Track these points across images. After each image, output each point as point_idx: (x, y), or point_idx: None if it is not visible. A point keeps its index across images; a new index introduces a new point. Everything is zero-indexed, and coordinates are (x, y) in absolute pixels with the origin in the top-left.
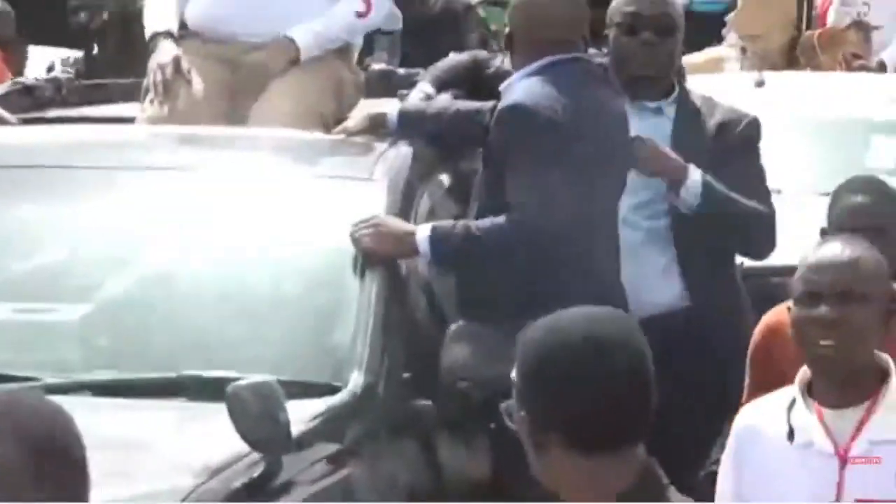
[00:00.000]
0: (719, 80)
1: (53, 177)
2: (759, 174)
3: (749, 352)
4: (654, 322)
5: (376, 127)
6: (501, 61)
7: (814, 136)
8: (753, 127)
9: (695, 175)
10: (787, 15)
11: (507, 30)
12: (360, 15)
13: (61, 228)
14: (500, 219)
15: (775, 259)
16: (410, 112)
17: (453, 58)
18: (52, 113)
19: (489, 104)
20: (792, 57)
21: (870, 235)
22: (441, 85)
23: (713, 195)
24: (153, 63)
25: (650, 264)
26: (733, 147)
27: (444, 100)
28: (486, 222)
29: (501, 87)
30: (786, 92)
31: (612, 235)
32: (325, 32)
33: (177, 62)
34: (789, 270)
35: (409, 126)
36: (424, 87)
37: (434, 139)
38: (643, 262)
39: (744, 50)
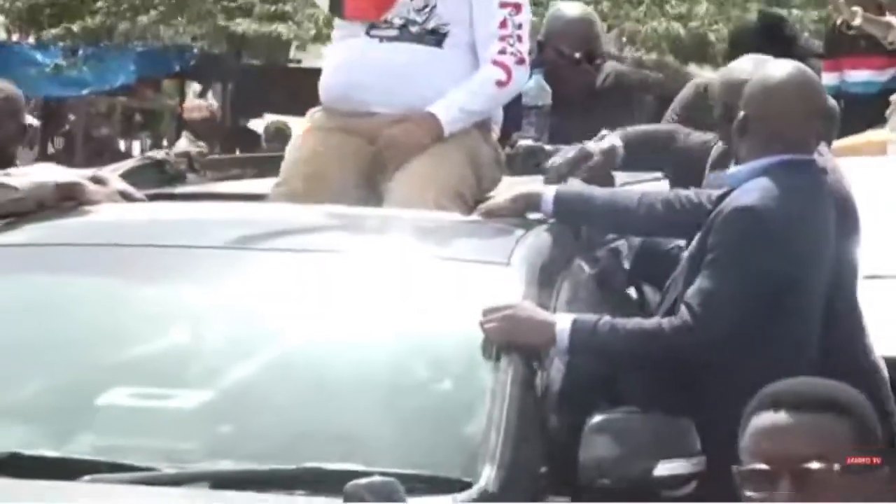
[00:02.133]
0: (888, 163)
1: (176, 256)
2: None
3: None
4: None
5: (525, 208)
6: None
7: None
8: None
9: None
10: None
11: (741, 113)
12: (500, 84)
13: (182, 311)
14: (656, 322)
15: None
16: (570, 197)
17: (653, 126)
18: (180, 189)
19: (664, 192)
20: None
21: None
22: (629, 143)
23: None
24: None
25: None
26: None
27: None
28: (638, 323)
29: (730, 173)
30: None
31: (801, 354)
32: (468, 106)
33: None
34: None
35: (568, 211)
36: (614, 139)
37: (591, 226)
38: None
39: None
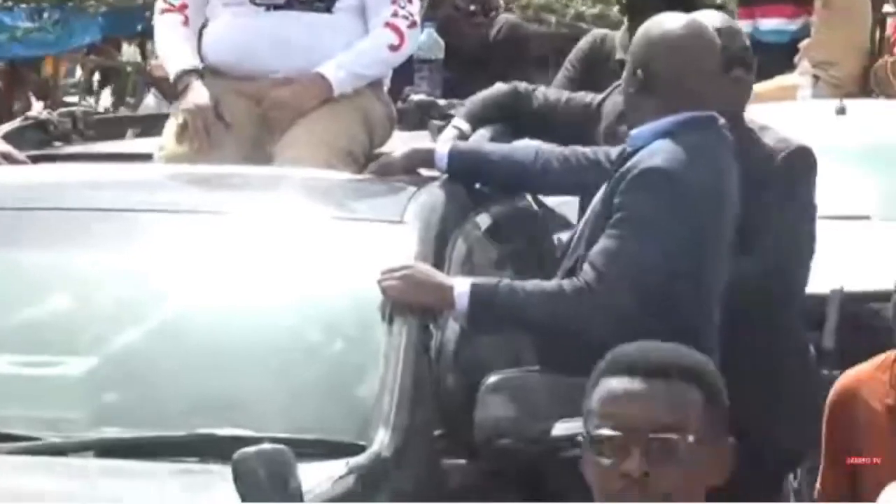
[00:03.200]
0: (797, 107)
1: (59, 219)
2: (799, 208)
3: (826, 416)
4: None
5: (419, 165)
6: (544, 93)
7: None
8: (797, 156)
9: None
10: (861, 43)
11: (639, 71)
12: (392, 48)
13: (66, 275)
14: (556, 284)
15: (872, 284)
16: (465, 153)
17: (491, 90)
18: (65, 150)
19: (560, 149)
20: (865, 85)
21: None
22: (476, 120)
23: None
24: (189, 104)
25: None
26: (775, 176)
27: (491, 139)
28: (538, 286)
29: (634, 133)
30: (866, 119)
31: (708, 328)
32: (358, 69)
33: (217, 105)
34: (884, 295)
35: (463, 168)
36: (459, 122)
37: (486, 182)
38: None
39: (816, 78)
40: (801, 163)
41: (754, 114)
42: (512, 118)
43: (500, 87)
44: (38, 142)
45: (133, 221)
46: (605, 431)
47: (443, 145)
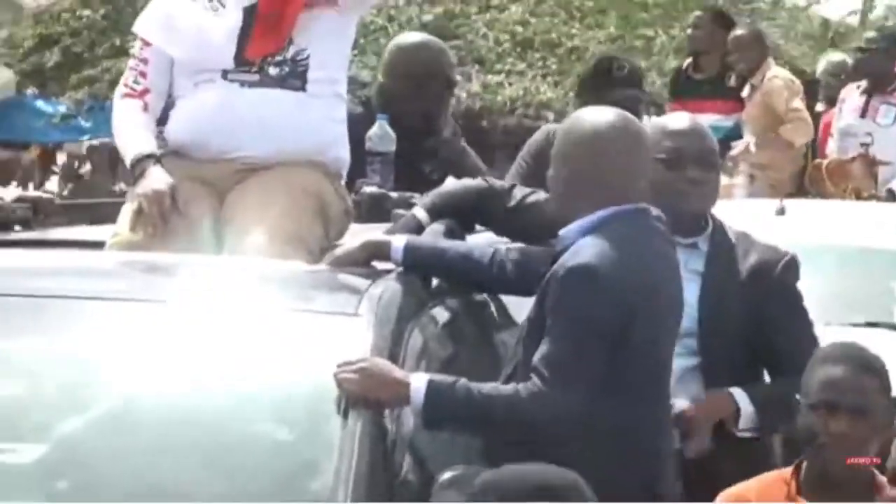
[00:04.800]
0: (736, 207)
1: (11, 305)
2: (804, 320)
3: None
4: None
5: (374, 257)
6: (519, 191)
7: (837, 265)
8: (792, 268)
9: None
10: (798, 146)
11: (563, 170)
12: None
13: (17, 361)
14: (513, 388)
15: None
16: (421, 248)
17: (461, 184)
18: (20, 236)
19: (516, 250)
20: (801, 184)
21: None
22: (437, 212)
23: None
24: (146, 189)
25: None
26: (771, 293)
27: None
28: (495, 388)
29: (562, 233)
30: (805, 220)
31: (659, 412)
32: None
33: (173, 192)
34: None
35: (418, 263)
36: (418, 212)
37: (441, 278)
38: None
39: (752, 177)
40: (795, 273)
41: None
42: (481, 213)
43: (470, 181)
44: None
45: (83, 309)
46: None
47: (398, 239)
